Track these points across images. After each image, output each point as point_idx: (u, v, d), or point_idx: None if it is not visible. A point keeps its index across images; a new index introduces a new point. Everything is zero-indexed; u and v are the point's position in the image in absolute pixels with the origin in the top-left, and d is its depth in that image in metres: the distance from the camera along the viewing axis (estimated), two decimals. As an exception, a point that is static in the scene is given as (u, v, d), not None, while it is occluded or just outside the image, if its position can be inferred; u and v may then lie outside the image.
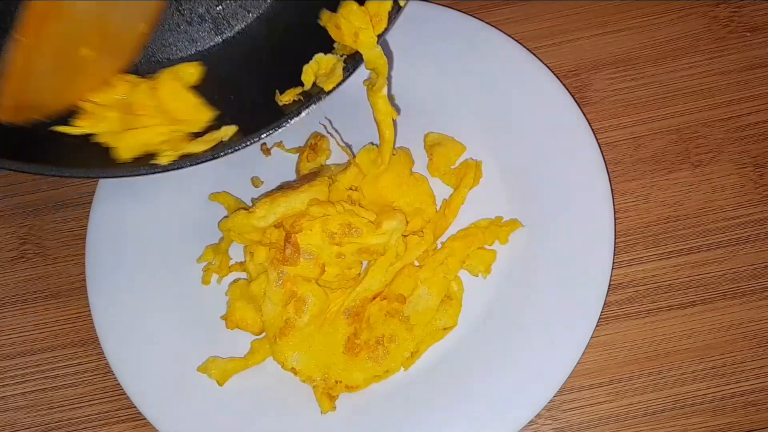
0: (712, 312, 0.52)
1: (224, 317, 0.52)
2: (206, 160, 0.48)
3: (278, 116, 0.48)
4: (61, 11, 0.42)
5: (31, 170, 0.46)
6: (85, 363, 0.56)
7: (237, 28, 0.55)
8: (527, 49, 0.56)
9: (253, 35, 0.55)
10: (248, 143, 0.48)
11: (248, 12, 0.54)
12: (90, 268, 0.55)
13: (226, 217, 0.54)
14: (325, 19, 0.48)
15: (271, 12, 0.55)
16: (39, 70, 0.44)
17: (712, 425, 0.50)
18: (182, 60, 0.54)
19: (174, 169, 0.48)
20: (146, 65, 0.54)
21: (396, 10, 0.48)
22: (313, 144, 0.56)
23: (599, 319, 0.49)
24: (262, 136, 0.48)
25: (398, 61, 0.57)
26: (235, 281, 0.54)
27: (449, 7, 0.58)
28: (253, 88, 0.52)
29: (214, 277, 0.55)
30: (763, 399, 0.51)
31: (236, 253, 0.55)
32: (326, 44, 0.50)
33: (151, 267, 0.55)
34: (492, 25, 0.57)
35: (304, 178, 0.54)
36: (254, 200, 0.55)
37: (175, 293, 0.54)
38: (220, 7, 0.54)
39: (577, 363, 0.49)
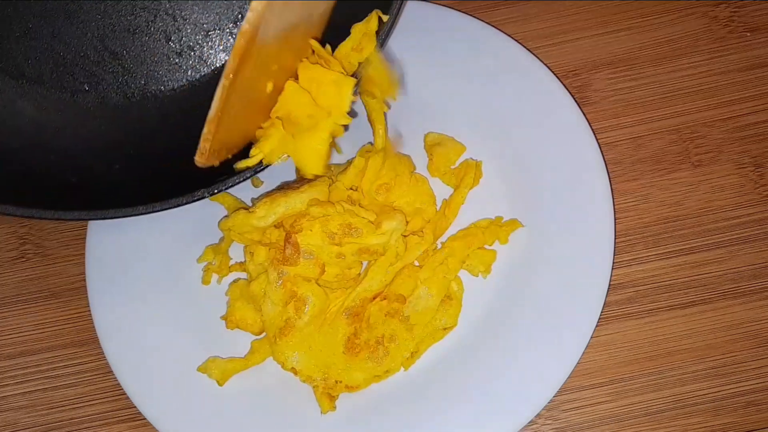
0: (712, 312, 0.52)
1: (224, 317, 0.52)
2: (202, 198, 0.48)
3: None
4: (256, 46, 0.42)
5: (27, 215, 0.47)
6: (85, 363, 0.56)
7: (227, 57, 0.54)
8: (527, 49, 0.56)
9: None
10: (245, 178, 0.48)
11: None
12: (90, 268, 0.55)
13: (226, 217, 0.54)
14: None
15: None
16: (234, 109, 0.44)
17: (712, 425, 0.51)
18: (173, 91, 0.55)
19: (167, 209, 0.48)
20: (139, 96, 0.55)
21: (385, 32, 0.48)
22: (313, 144, 0.56)
23: (599, 319, 0.49)
24: (259, 170, 0.48)
25: (396, 60, 0.57)
26: (235, 281, 0.54)
27: (449, 7, 0.58)
28: None
29: (214, 277, 0.55)
30: (763, 399, 0.51)
31: (236, 253, 0.55)
32: None
33: (151, 267, 0.55)
34: (492, 25, 0.57)
35: (304, 178, 0.54)
36: (254, 200, 0.55)
37: (175, 293, 0.54)
38: (210, 36, 0.55)
39: (577, 363, 0.49)
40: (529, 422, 0.49)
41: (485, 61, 0.56)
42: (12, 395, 0.55)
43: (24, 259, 0.59)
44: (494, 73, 0.56)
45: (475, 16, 0.58)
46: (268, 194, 0.53)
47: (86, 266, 0.55)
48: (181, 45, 0.55)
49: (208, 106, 0.46)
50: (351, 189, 0.53)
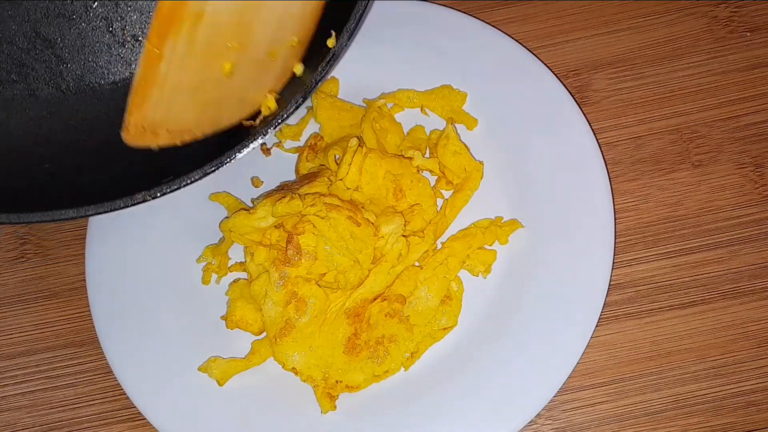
0: (712, 312, 0.52)
1: (224, 317, 0.52)
2: (143, 201, 0.44)
3: (222, 147, 0.44)
4: (192, 15, 0.37)
5: (19, 221, 0.43)
6: (85, 363, 0.56)
7: None
8: (527, 49, 0.56)
9: None
10: (194, 179, 0.44)
11: None
12: (90, 268, 0.55)
13: (226, 217, 0.54)
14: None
15: None
16: (174, 85, 0.39)
17: (712, 425, 0.51)
18: (114, 85, 0.50)
19: (102, 213, 0.44)
20: (75, 89, 0.50)
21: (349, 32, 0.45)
22: (313, 144, 0.56)
23: (599, 319, 0.49)
24: (208, 170, 0.44)
25: (397, 60, 0.57)
26: (235, 281, 0.54)
27: (450, 7, 0.58)
28: None
29: (214, 277, 0.55)
30: (763, 399, 0.51)
31: (236, 253, 0.55)
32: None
33: (151, 267, 0.55)
34: (493, 25, 0.57)
35: (304, 178, 0.54)
36: (254, 200, 0.55)
37: (175, 293, 0.54)
38: None
39: (577, 363, 0.49)
40: (529, 422, 0.49)
41: (485, 61, 0.56)
42: (12, 395, 0.55)
43: (24, 259, 0.59)
44: (494, 73, 0.56)
45: (475, 16, 0.58)
46: (268, 194, 0.53)
47: (86, 266, 0.55)
48: (124, 34, 0.50)
49: None
50: (351, 189, 0.53)
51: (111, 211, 0.44)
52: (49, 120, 0.50)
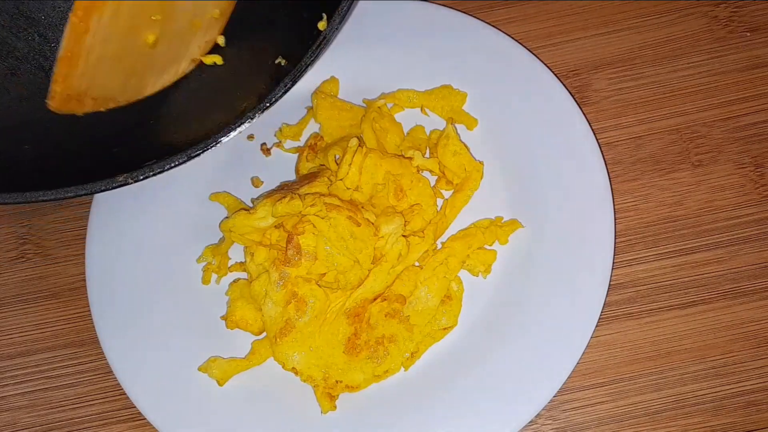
0: (712, 312, 0.52)
1: (224, 317, 0.52)
2: (124, 184, 0.43)
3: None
4: None
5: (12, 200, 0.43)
6: (85, 363, 0.56)
7: None
8: (527, 49, 0.56)
9: None
10: (178, 163, 0.44)
11: None
12: (90, 268, 0.55)
13: (226, 217, 0.54)
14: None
15: None
16: (99, 56, 0.39)
17: (712, 425, 0.51)
18: None
19: (82, 195, 0.43)
20: None
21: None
22: (313, 144, 0.56)
23: (599, 319, 0.49)
24: (193, 154, 0.44)
25: (397, 60, 0.57)
26: (235, 281, 0.54)
27: (449, 7, 0.58)
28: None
29: (214, 277, 0.55)
30: (763, 399, 0.51)
31: (236, 253, 0.55)
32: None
33: (151, 267, 0.55)
34: (492, 25, 0.57)
35: (304, 178, 0.54)
36: (254, 200, 0.55)
37: (175, 293, 0.54)
38: None
39: (577, 363, 0.49)
40: (529, 422, 0.49)
41: (485, 62, 0.56)
42: (12, 395, 0.55)
43: (24, 259, 0.59)
44: (494, 73, 0.56)
45: (475, 16, 0.58)
46: (268, 194, 0.53)
47: (86, 266, 0.55)
48: None
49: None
50: (351, 189, 0.53)
51: (91, 193, 0.43)
52: (30, 101, 0.49)
